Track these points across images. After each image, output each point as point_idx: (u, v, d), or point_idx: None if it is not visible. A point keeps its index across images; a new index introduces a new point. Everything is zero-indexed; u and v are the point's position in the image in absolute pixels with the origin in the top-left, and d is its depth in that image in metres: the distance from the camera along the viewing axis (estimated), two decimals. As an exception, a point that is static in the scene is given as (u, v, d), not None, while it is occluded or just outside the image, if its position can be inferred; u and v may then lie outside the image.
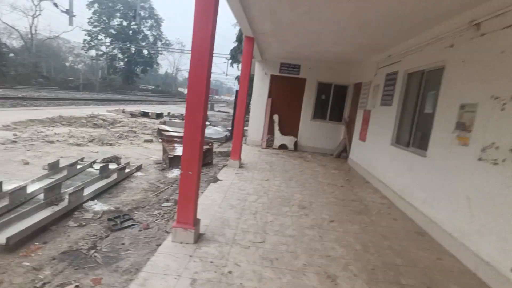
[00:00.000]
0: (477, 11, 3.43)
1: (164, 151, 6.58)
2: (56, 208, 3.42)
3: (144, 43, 59.04)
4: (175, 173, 5.79)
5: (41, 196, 3.67)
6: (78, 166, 5.13)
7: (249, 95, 9.24)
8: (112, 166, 5.49)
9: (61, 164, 5.01)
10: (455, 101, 3.62)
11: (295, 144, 9.23)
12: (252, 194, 4.65)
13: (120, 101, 28.45)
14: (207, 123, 13.76)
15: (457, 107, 3.56)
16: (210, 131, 10.71)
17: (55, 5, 18.55)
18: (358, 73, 8.41)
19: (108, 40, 56.75)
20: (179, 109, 23.57)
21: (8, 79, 33.54)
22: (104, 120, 10.17)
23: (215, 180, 5.26)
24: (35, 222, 2.95)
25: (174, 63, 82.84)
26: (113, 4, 54.54)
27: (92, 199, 4.04)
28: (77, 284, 2.28)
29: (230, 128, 12.53)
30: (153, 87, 73.64)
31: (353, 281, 2.55)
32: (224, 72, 47.53)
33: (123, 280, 2.37)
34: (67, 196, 3.62)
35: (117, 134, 8.42)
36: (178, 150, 6.33)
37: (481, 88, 3.20)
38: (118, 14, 56.17)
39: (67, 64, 64.58)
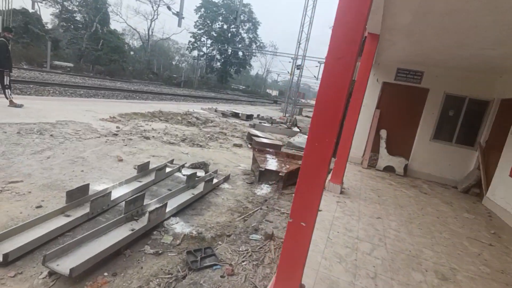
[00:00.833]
0: None
1: (254, 161, 5.89)
2: (135, 225, 2.92)
3: (240, 45, 61.89)
4: (264, 189, 5.01)
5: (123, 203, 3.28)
6: (167, 170, 4.79)
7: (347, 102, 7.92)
8: (200, 172, 5.02)
9: (151, 165, 4.75)
10: None
11: (405, 167, 7.53)
12: (364, 241, 3.49)
13: (213, 98, 29.97)
14: (295, 128, 12.87)
15: None
16: (300, 140, 9.76)
17: (168, 7, 20.29)
18: (509, 86, 6.28)
19: (209, 42, 61.34)
20: (268, 111, 23.35)
21: (126, 74, 38.94)
22: (197, 118, 10.22)
23: (313, 209, 4.25)
24: (107, 247, 2.44)
25: (265, 65, 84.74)
26: (217, 9, 58.61)
27: (174, 215, 3.51)
28: None
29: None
30: (244, 87, 76.95)
31: None
32: (315, 76, 46.05)
33: None
34: (148, 210, 3.12)
35: (208, 135, 8.18)
36: (270, 163, 5.55)
37: None
38: (220, 18, 60.16)
39: (173, 62, 72.50)
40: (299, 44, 17.47)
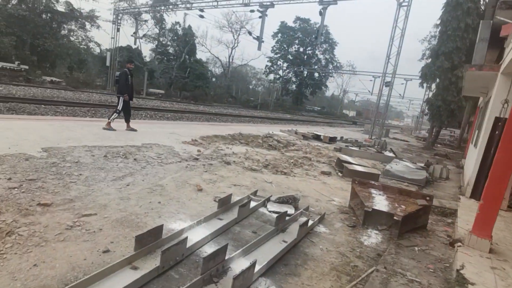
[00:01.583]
0: None
1: (354, 195, 4.72)
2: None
3: (316, 66, 61.25)
4: (372, 237, 3.80)
5: (202, 249, 2.54)
6: (251, 203, 4.01)
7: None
8: (289, 209, 4.10)
9: (233, 196, 4.05)
10: None
11: None
12: None
13: (289, 120, 29.46)
14: (387, 153, 11.06)
15: None
16: (399, 168, 8.11)
17: (249, 32, 20.98)
18: None
19: (285, 65, 62.35)
20: (349, 133, 21.56)
21: (208, 98, 41.59)
22: (278, 141, 9.50)
23: (460, 280, 2.87)
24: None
25: (342, 85, 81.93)
26: (294, 33, 59.55)
27: (263, 273, 2.62)
28: None
29: (422, 165, 9.43)
30: (319, 108, 75.38)
31: None
32: (400, 94, 42.05)
33: None
34: (230, 269, 2.31)
35: (292, 160, 7.30)
36: (378, 201, 4.31)
37: None
38: (296, 41, 60.87)
39: (250, 86, 75.81)
40: (388, 59, 15.68)
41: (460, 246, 3.64)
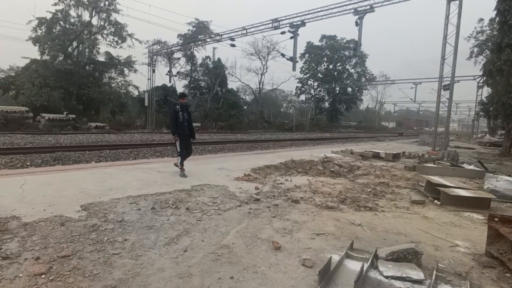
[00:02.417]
0: None
1: (496, 238, 3.29)
2: None
3: (348, 81, 59.58)
4: None
5: None
6: (350, 264, 2.79)
7: None
8: (412, 270, 2.80)
9: (323, 252, 2.87)
10: None
11: None
12: None
13: (330, 139, 27.94)
14: (471, 167, 9.19)
15: None
16: (506, 186, 6.36)
17: (282, 55, 20.33)
18: None
19: (315, 83, 61.40)
20: (404, 146, 19.47)
21: (243, 125, 41.42)
22: (340, 165, 8.18)
23: None
24: None
25: (377, 97, 78.75)
26: (321, 51, 58.95)
27: None
28: None
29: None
30: (355, 123, 72.64)
31: None
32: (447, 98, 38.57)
33: None
34: None
35: (368, 189, 5.96)
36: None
37: None
38: (325, 59, 60.03)
39: (281, 109, 75.41)
40: (444, 60, 13.98)
41: None
